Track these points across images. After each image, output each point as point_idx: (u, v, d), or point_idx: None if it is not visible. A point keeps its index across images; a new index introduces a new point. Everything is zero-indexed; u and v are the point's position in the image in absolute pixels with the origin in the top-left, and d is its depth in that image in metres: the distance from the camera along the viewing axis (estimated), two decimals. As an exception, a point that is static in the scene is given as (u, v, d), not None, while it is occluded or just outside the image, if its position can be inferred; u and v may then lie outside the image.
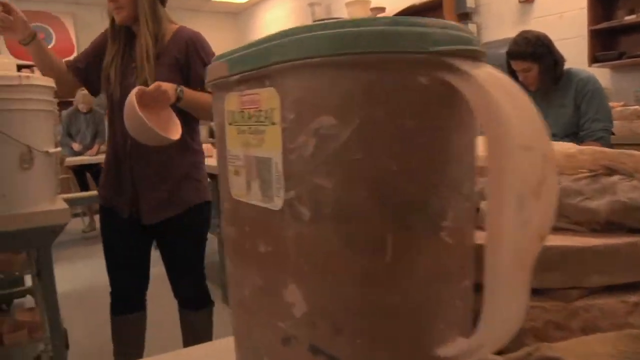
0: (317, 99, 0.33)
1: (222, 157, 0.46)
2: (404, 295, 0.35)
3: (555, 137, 2.69)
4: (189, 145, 1.95)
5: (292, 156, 0.34)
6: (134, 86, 1.67)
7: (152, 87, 1.66)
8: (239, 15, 9.69)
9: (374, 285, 0.34)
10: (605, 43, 4.09)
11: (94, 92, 2.07)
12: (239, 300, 0.45)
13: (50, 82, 1.76)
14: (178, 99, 1.75)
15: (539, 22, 4.60)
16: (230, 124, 0.42)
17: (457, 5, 5.10)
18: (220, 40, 9.39)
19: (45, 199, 1.72)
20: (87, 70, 1.99)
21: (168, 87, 1.70)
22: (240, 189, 0.40)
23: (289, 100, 0.34)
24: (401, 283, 0.34)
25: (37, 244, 1.66)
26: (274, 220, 0.36)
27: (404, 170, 0.33)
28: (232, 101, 0.42)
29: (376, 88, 0.32)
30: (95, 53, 1.98)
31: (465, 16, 5.15)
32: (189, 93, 1.80)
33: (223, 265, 3.50)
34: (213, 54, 1.92)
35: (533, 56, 2.57)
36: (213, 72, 0.47)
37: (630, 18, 3.88)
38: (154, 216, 1.91)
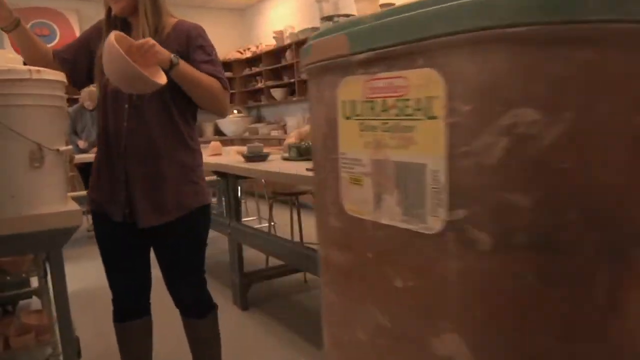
0: (511, 85, 0.23)
1: (327, 159, 0.36)
2: (619, 353, 0.25)
3: None
4: (187, 144, 1.86)
5: (465, 163, 0.24)
6: None
7: (141, 40, 1.58)
8: (244, 11, 9.59)
9: (582, 338, 0.24)
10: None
11: (80, 85, 1.98)
12: (345, 340, 0.36)
13: (61, 76, 1.66)
14: (171, 64, 1.64)
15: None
16: (347, 117, 0.33)
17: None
18: (225, 37, 9.35)
19: (56, 200, 1.62)
20: (75, 62, 1.90)
21: (160, 48, 1.60)
22: (362, 203, 0.31)
23: (463, 86, 0.25)
24: (619, 336, 0.25)
25: (48, 247, 1.57)
26: (425, 247, 0.27)
27: (633, 186, 0.23)
28: (353, 87, 0.32)
29: (600, 71, 0.23)
30: (85, 44, 1.90)
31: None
32: (185, 65, 1.70)
33: (233, 266, 3.40)
34: (213, 46, 1.87)
35: None
36: (320, 50, 0.37)
37: None
38: (150, 220, 1.81)
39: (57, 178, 1.64)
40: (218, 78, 1.79)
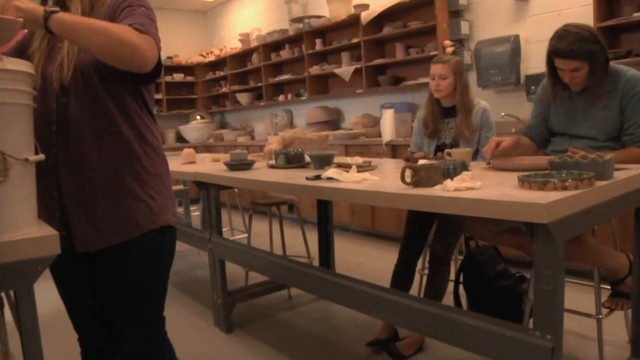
0: None
1: None
2: None
3: (597, 140, 2.42)
4: (132, 148, 1.50)
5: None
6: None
7: None
8: (207, 13, 9.25)
9: None
10: (610, 41, 3.89)
11: None
12: None
13: (27, 67, 1.35)
14: (46, 14, 1.28)
15: (535, 20, 4.42)
16: None
17: (449, 2, 4.85)
18: (187, 41, 9.04)
19: (25, 222, 1.31)
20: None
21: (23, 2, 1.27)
22: None
23: None
24: None
25: (16, 284, 1.25)
26: None
27: None
28: None
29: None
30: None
31: (457, 14, 4.92)
32: (70, 15, 1.33)
33: (215, 285, 3.10)
34: (145, 6, 1.47)
35: (587, 55, 2.29)
36: None
37: (639, 14, 3.69)
38: (88, 244, 1.48)
39: (26, 194, 1.33)
40: (134, 27, 1.35)
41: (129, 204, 1.48)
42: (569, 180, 1.53)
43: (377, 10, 5.37)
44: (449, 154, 2.50)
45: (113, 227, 1.47)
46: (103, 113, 1.45)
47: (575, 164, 1.74)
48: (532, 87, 4.44)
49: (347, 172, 2.13)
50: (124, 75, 1.41)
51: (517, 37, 4.42)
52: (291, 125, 7.18)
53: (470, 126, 2.86)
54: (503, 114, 4.46)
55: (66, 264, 1.51)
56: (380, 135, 5.24)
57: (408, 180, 1.77)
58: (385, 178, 2.16)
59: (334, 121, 6.45)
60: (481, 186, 1.65)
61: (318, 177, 2.16)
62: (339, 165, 2.52)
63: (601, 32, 3.74)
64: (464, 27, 4.84)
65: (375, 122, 5.63)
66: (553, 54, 2.37)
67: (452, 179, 1.70)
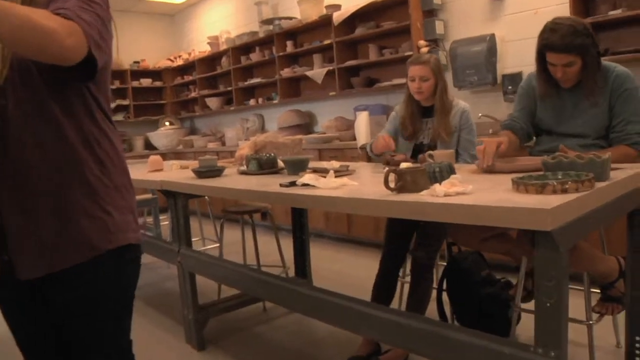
0: None
1: None
2: None
3: (587, 138, 2.32)
4: (91, 157, 1.30)
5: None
6: None
7: None
8: (174, 17, 9.02)
9: None
10: (588, 39, 3.81)
11: None
12: None
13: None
14: None
15: (511, 19, 4.34)
16: None
17: (423, 1, 4.75)
18: (153, 44, 8.79)
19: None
20: None
21: None
22: None
23: None
24: None
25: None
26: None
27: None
28: None
29: None
30: None
31: (431, 13, 4.83)
32: None
33: (185, 300, 2.91)
34: None
35: (580, 48, 2.19)
36: None
37: (614, 13, 3.63)
38: (33, 267, 1.27)
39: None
40: (57, 12, 1.12)
41: (79, 222, 1.26)
42: (569, 183, 1.40)
43: (350, 10, 5.25)
44: (431, 156, 2.36)
45: (61, 249, 1.26)
46: (46, 116, 1.23)
47: (572, 165, 1.61)
48: (509, 87, 4.36)
49: (324, 177, 1.97)
50: (51, 70, 1.16)
51: (492, 36, 4.34)
52: (263, 130, 7.00)
53: (447, 128, 2.74)
54: (480, 114, 4.38)
55: (9, 294, 1.33)
56: (354, 139, 5.10)
57: (392, 185, 1.62)
58: (365, 183, 2.01)
59: (306, 125, 6.30)
60: (472, 190, 1.51)
61: (293, 184, 2.01)
62: (315, 170, 2.37)
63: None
64: (439, 27, 4.75)
65: (349, 125, 5.50)
66: (545, 47, 2.26)
67: (439, 183, 1.56)
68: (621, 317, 2.22)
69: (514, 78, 4.33)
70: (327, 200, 1.72)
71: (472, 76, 4.47)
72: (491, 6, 4.47)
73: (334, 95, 5.69)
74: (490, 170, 2.05)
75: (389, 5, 5.07)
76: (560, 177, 1.58)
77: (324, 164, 2.56)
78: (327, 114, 6.11)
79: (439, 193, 1.48)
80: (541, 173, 1.65)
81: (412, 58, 2.84)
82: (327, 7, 5.63)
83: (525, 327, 2.63)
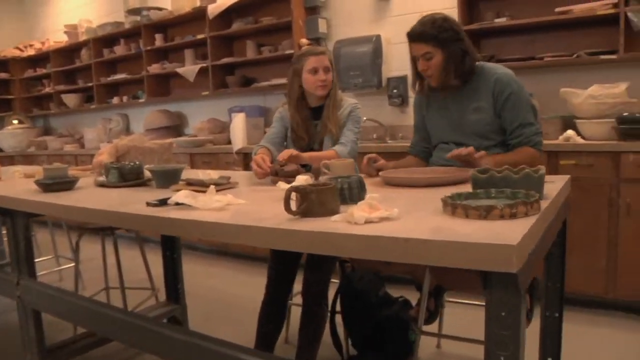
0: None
1: None
2: None
3: (477, 147, 2.15)
4: None
5: None
6: None
7: None
8: (24, 1, 7.99)
9: None
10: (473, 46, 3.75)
11: None
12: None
13: None
14: None
15: (397, 21, 4.19)
16: None
17: (305, -3, 4.47)
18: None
19: None
20: None
21: None
22: None
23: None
24: None
25: None
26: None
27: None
28: None
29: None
30: None
31: (314, 10, 4.55)
32: None
33: (27, 342, 2.35)
34: None
35: (437, 40, 2.13)
36: None
37: (500, 21, 3.58)
38: None
39: None
40: None
41: None
42: (519, 206, 1.13)
43: (226, 3, 4.84)
44: (328, 168, 2.05)
45: None
46: None
47: (505, 180, 1.36)
48: (395, 91, 4.21)
49: (204, 193, 1.57)
50: None
51: (378, 37, 4.16)
52: (128, 131, 6.35)
53: (337, 122, 2.46)
54: (365, 118, 4.16)
55: None
56: (229, 142, 4.71)
57: (294, 208, 1.27)
58: (255, 201, 1.64)
59: (176, 127, 5.78)
60: (399, 215, 1.19)
61: (164, 203, 1.58)
62: (190, 183, 1.95)
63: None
64: (322, 25, 4.49)
65: (224, 127, 5.09)
66: (408, 37, 2.22)
67: (355, 204, 1.23)
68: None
69: (399, 81, 4.18)
70: (210, 228, 1.32)
71: (356, 78, 4.26)
72: (377, 6, 4.29)
73: (207, 95, 5.25)
74: (389, 182, 1.80)
75: (269, 0, 4.73)
76: (493, 194, 1.32)
77: (200, 174, 2.14)
78: (199, 115, 5.63)
79: (359, 220, 1.14)
80: (471, 192, 1.38)
81: (306, 49, 2.52)
82: (201, -2, 5.17)
83: (427, 350, 2.40)
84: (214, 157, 4.72)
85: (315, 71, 2.43)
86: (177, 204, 1.53)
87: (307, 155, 2.32)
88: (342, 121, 2.50)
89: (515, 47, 3.73)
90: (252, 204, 1.55)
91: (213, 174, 2.16)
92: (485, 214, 1.12)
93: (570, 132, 3.15)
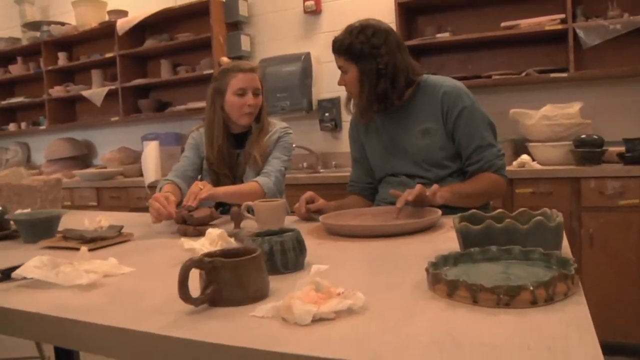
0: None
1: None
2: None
3: (429, 179, 1.77)
4: None
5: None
6: None
7: None
8: None
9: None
10: (412, 62, 3.44)
11: None
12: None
13: None
14: None
15: (327, 37, 3.75)
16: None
17: (227, 12, 4.03)
18: None
19: None
20: None
21: None
22: None
23: None
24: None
25: None
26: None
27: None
28: None
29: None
30: None
31: (235, 26, 4.12)
32: None
33: None
34: None
35: (349, 52, 1.77)
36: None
37: (441, 36, 3.28)
38: None
39: None
40: None
41: None
42: (558, 283, 0.70)
43: (137, 18, 4.31)
44: (251, 211, 1.59)
45: None
46: None
47: (508, 232, 0.93)
48: (326, 114, 3.81)
49: (70, 264, 1.07)
50: None
51: (307, 55, 3.76)
52: (28, 162, 5.62)
53: (263, 147, 2.05)
54: (294, 145, 3.73)
55: None
56: (141, 174, 4.14)
57: (198, 293, 0.79)
58: (148, 267, 1.15)
59: (83, 157, 5.13)
60: (365, 303, 0.74)
61: (7, 276, 1.06)
62: (66, 237, 1.43)
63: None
64: (245, 42, 4.05)
65: (136, 157, 4.52)
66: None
67: (290, 272, 0.77)
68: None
69: (332, 104, 3.78)
70: (53, 327, 0.81)
71: (284, 100, 3.83)
72: (305, 21, 3.90)
73: (117, 120, 4.67)
74: (330, 231, 1.37)
75: (186, 15, 4.26)
76: (498, 254, 0.90)
77: (86, 222, 1.62)
78: (109, 143, 5.00)
79: (302, 318, 0.68)
80: (460, 252, 0.95)
81: (232, 65, 2.08)
82: (110, 12, 4.61)
83: None
84: (123, 191, 4.13)
85: (242, 93, 1.99)
86: (24, 278, 1.02)
87: (222, 190, 1.84)
88: (269, 148, 2.07)
89: (458, 64, 3.43)
90: (140, 274, 1.06)
91: (104, 221, 1.65)
92: (509, 299, 0.69)
93: (525, 157, 2.83)
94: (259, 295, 0.80)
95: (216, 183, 2.09)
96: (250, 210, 1.60)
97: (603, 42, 2.87)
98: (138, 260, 1.17)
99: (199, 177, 2.16)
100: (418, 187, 1.53)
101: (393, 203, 1.59)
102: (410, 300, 0.77)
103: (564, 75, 2.96)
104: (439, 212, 1.45)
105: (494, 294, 0.69)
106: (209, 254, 0.83)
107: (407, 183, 1.77)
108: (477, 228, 0.95)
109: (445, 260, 0.88)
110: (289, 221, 1.69)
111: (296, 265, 0.99)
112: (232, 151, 2.10)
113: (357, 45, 1.74)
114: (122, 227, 1.53)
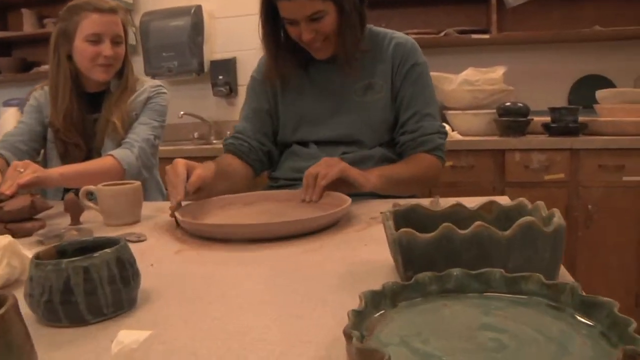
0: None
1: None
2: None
3: (362, 146, 1.46)
4: None
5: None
6: None
7: None
8: None
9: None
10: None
11: None
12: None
13: None
14: None
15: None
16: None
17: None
18: None
19: None
20: None
21: None
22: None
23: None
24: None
25: None
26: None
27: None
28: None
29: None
30: None
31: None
32: None
33: None
34: None
35: None
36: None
37: None
38: None
39: None
40: None
41: None
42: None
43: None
44: (92, 197, 1.13)
45: None
46: None
47: (479, 241, 0.55)
48: (220, 77, 3.36)
49: None
50: None
51: (199, 8, 3.28)
52: None
53: (124, 113, 1.60)
54: (182, 112, 3.25)
55: None
56: (3, 146, 3.52)
57: None
58: None
59: None
60: None
61: None
62: None
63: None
64: (125, -6, 3.50)
65: (-3, 126, 3.88)
66: None
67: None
68: None
69: (225, 65, 3.33)
70: None
71: (170, 61, 3.34)
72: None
73: (-27, 82, 4.01)
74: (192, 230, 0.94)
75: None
76: (458, 284, 0.50)
77: None
78: (-36, 109, 4.32)
79: None
80: (392, 283, 0.55)
81: (85, 1, 1.56)
82: None
83: None
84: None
85: (97, 39, 1.51)
86: None
87: (58, 171, 1.35)
88: (134, 112, 1.60)
89: (371, 22, 3.02)
90: None
91: None
92: None
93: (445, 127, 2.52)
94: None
95: (64, 157, 1.60)
96: (90, 195, 1.14)
97: (527, 3, 2.63)
98: None
99: (42, 151, 1.65)
100: (338, 166, 1.14)
101: (296, 181, 1.17)
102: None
103: (486, 36, 2.70)
104: (349, 200, 1.07)
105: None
106: None
107: (317, 156, 1.35)
108: (428, 238, 0.55)
109: (378, 300, 0.48)
110: (153, 209, 1.24)
111: (117, 305, 0.56)
112: (85, 116, 1.61)
113: None
114: None
